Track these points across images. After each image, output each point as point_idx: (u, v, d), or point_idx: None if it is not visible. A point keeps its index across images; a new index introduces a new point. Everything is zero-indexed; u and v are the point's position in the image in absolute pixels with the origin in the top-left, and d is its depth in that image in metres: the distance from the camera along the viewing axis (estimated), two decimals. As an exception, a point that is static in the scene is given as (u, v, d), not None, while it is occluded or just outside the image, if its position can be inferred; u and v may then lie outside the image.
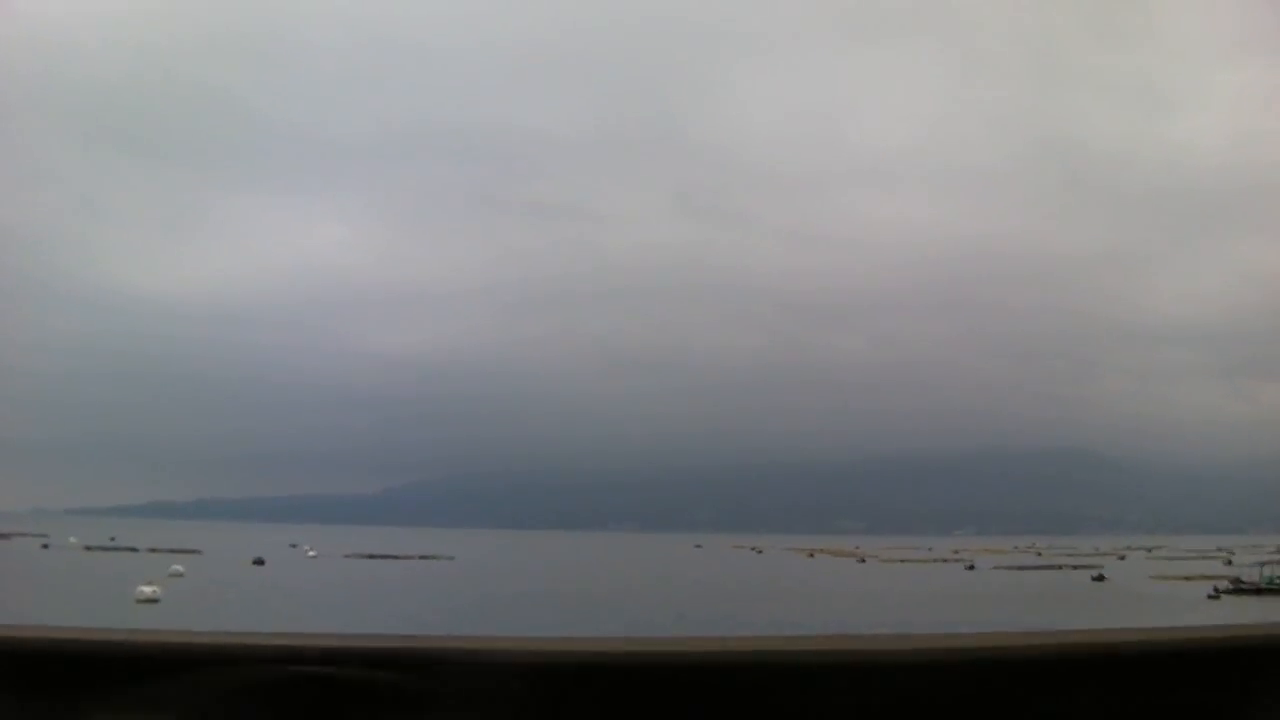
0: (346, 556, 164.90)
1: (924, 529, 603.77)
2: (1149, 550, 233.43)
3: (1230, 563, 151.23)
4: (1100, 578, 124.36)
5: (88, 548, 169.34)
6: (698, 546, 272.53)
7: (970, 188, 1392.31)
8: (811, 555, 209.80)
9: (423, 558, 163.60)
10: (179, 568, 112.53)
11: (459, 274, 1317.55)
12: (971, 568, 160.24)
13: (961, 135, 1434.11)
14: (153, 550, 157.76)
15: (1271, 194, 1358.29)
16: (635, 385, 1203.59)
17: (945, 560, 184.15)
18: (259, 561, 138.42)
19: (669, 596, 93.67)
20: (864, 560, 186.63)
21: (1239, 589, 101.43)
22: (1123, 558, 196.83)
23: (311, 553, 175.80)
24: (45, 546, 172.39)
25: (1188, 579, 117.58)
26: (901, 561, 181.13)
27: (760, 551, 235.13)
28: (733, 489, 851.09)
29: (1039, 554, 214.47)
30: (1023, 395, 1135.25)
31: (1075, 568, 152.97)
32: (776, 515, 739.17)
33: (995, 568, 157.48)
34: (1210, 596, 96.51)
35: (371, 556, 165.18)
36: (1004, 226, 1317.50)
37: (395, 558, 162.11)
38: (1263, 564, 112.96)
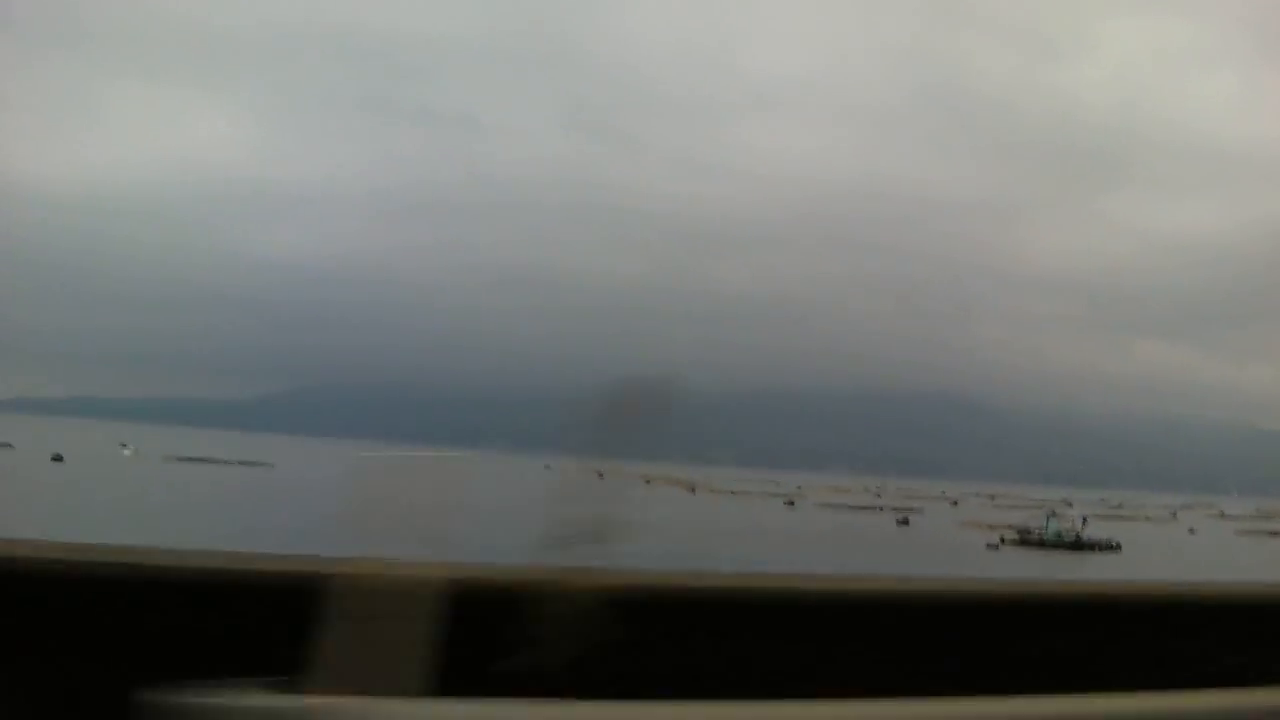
0: (165, 459, 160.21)
1: (797, 464, 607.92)
2: (992, 497, 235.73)
3: (1054, 514, 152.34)
4: (905, 521, 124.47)
5: None
6: (546, 468, 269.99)
7: (858, 125, 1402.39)
8: (649, 482, 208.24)
9: (242, 464, 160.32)
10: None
11: (341, 178, 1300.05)
12: (791, 504, 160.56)
13: (853, 71, 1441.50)
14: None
15: (1153, 149, 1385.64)
16: (518, 301, 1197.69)
17: (773, 495, 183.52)
18: (57, 458, 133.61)
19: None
20: (694, 490, 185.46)
21: (1024, 541, 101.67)
22: (955, 503, 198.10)
23: (127, 452, 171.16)
24: None
25: (992, 528, 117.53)
26: (731, 493, 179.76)
27: (602, 476, 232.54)
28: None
29: (878, 495, 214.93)
30: (900, 337, 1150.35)
31: (895, 509, 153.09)
32: (652, 442, 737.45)
33: (817, 505, 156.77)
34: (990, 546, 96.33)
35: (189, 460, 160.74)
36: (889, 166, 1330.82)
37: (212, 462, 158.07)
38: (1049, 517, 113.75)
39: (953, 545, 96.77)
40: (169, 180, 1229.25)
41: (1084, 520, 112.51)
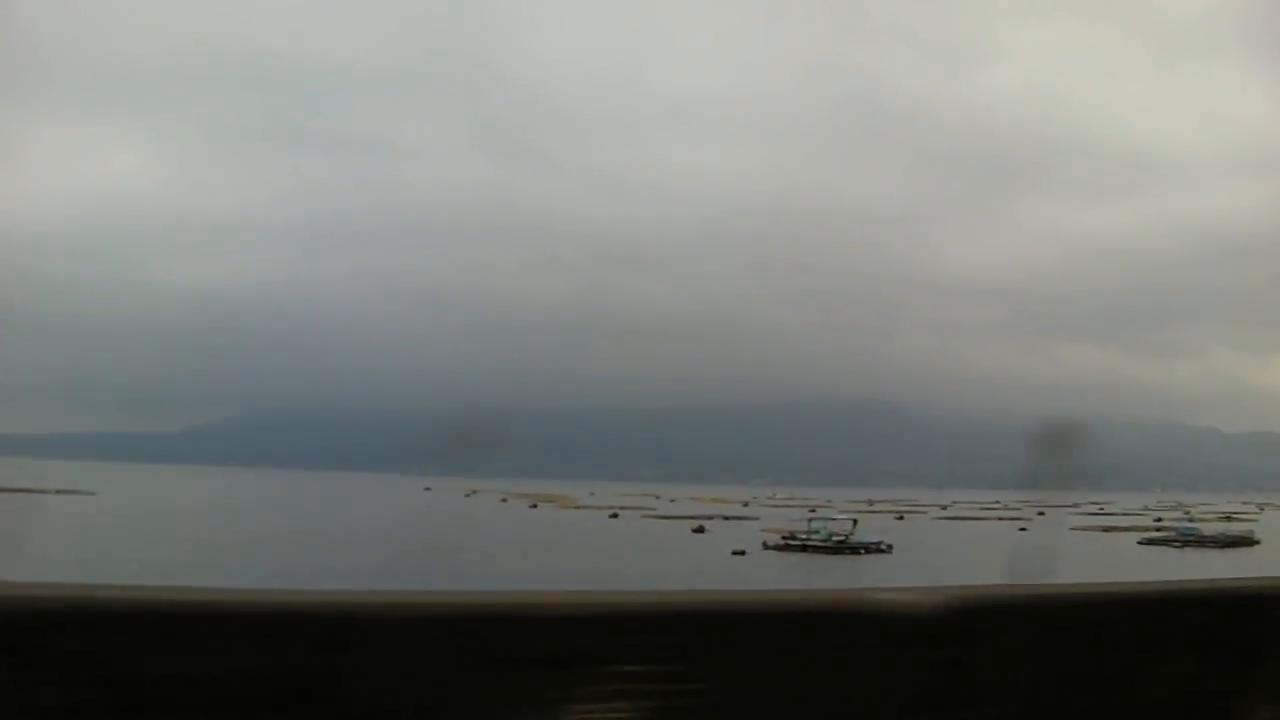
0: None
1: (723, 478, 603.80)
2: (870, 503, 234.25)
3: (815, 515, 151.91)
4: (700, 529, 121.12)
5: None
6: (426, 489, 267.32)
7: (774, 139, 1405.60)
8: (534, 506, 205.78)
9: (59, 492, 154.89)
10: None
11: (258, 206, 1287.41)
12: (615, 515, 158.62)
13: (764, 85, 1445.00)
14: None
15: (1067, 155, 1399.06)
16: (440, 325, 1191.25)
17: (636, 508, 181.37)
18: None
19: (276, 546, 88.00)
20: (535, 506, 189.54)
21: (787, 545, 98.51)
22: (814, 510, 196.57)
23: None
24: None
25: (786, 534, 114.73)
26: (576, 508, 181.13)
27: (469, 495, 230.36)
28: (540, 434, 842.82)
29: (745, 504, 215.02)
30: (826, 346, 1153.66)
31: (726, 519, 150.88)
32: (579, 461, 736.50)
33: (646, 516, 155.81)
34: (735, 553, 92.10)
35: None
36: (806, 179, 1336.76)
37: (27, 491, 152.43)
38: (810, 518, 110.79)
39: (724, 551, 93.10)
40: (86, 214, 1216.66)
41: (854, 522, 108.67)
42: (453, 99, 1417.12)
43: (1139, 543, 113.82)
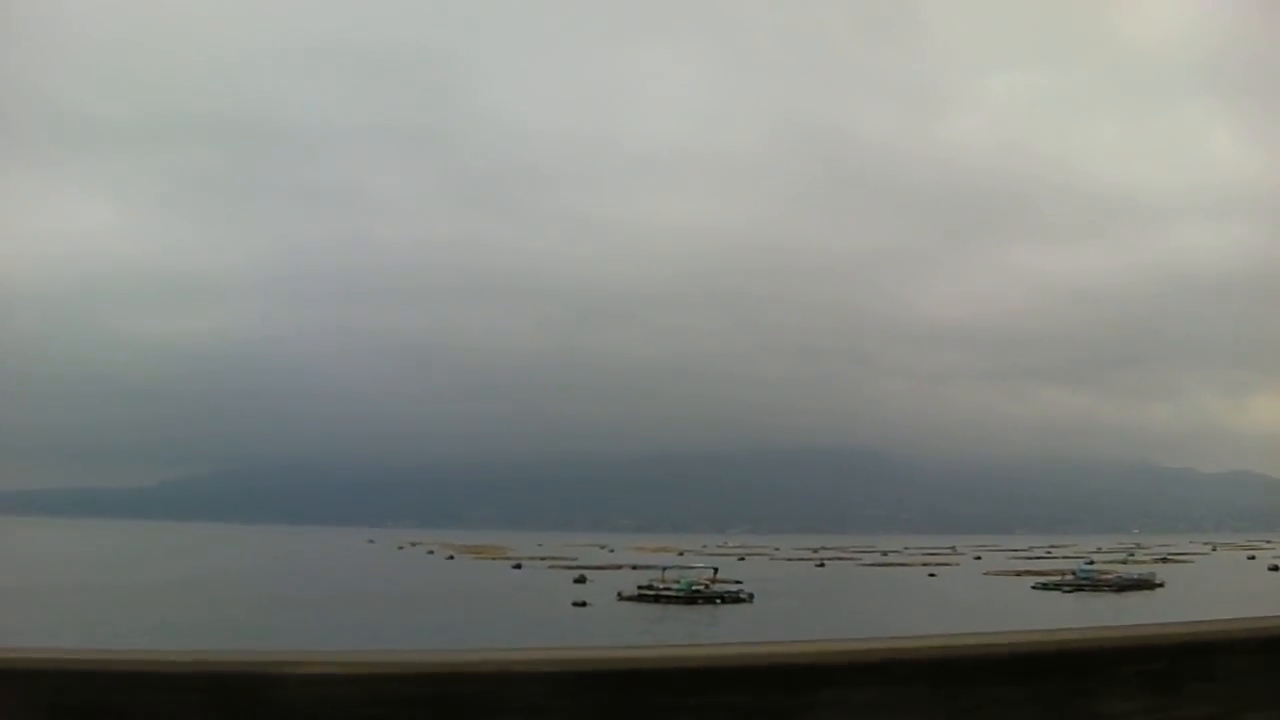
0: None
1: (700, 527, 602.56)
2: (815, 550, 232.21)
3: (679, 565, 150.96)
4: (581, 579, 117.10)
5: None
6: (370, 542, 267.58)
7: (743, 186, 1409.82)
8: (451, 557, 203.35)
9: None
10: None
11: (229, 260, 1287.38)
12: (519, 567, 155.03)
13: (732, 131, 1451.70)
14: None
15: (1037, 199, 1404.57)
16: (416, 379, 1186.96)
17: (552, 558, 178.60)
18: None
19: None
20: (452, 557, 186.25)
21: (641, 595, 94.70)
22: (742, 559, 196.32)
23: None
24: None
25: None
26: (496, 559, 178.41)
27: (401, 547, 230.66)
28: (518, 487, 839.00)
29: (680, 554, 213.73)
30: (802, 393, 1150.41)
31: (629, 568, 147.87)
32: (556, 513, 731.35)
33: (550, 567, 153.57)
34: (576, 604, 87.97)
35: None
36: (777, 223, 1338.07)
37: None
38: (664, 566, 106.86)
39: (548, 603, 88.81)
40: (53, 270, 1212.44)
41: (715, 571, 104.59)
42: (421, 152, 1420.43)
43: (1032, 587, 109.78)
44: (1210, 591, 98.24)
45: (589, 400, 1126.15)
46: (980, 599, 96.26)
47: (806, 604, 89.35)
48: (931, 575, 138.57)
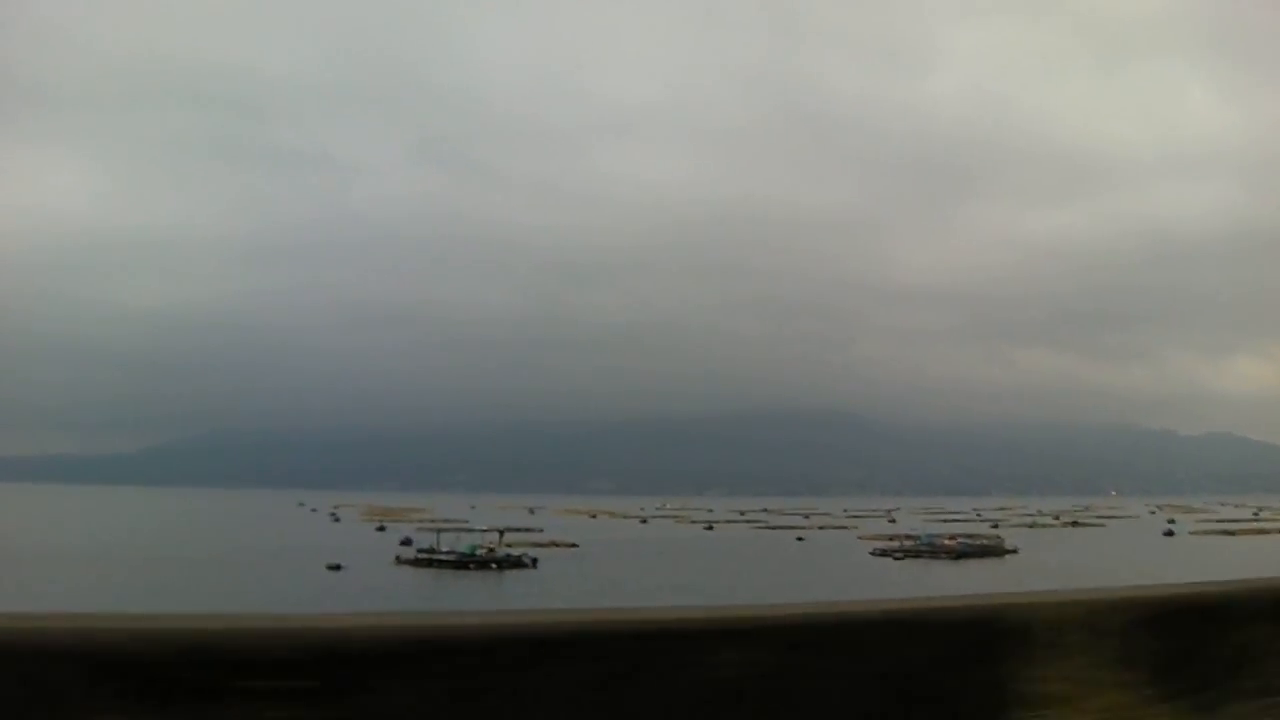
0: None
1: (677, 489, 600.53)
2: (742, 513, 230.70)
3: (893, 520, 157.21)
4: (407, 541, 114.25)
5: None
6: (300, 505, 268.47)
7: (716, 145, 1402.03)
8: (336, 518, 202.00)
9: None
10: None
11: (204, 222, 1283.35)
12: (382, 529, 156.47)
13: (704, 92, 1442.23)
14: None
15: (1013, 158, 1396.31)
16: (392, 340, 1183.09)
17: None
18: None
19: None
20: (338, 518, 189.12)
21: (417, 559, 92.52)
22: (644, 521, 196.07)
23: None
24: None
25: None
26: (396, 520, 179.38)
27: (315, 510, 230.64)
28: (500, 450, 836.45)
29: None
30: (779, 356, 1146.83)
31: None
32: (535, 475, 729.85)
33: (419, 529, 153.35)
34: (330, 567, 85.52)
35: None
36: (752, 185, 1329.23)
37: None
38: (440, 531, 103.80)
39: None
40: (25, 234, 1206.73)
41: (500, 535, 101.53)
42: (391, 112, 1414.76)
43: (870, 553, 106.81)
44: (1059, 561, 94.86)
45: (569, 361, 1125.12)
46: (800, 562, 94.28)
47: (597, 569, 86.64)
48: (799, 539, 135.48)
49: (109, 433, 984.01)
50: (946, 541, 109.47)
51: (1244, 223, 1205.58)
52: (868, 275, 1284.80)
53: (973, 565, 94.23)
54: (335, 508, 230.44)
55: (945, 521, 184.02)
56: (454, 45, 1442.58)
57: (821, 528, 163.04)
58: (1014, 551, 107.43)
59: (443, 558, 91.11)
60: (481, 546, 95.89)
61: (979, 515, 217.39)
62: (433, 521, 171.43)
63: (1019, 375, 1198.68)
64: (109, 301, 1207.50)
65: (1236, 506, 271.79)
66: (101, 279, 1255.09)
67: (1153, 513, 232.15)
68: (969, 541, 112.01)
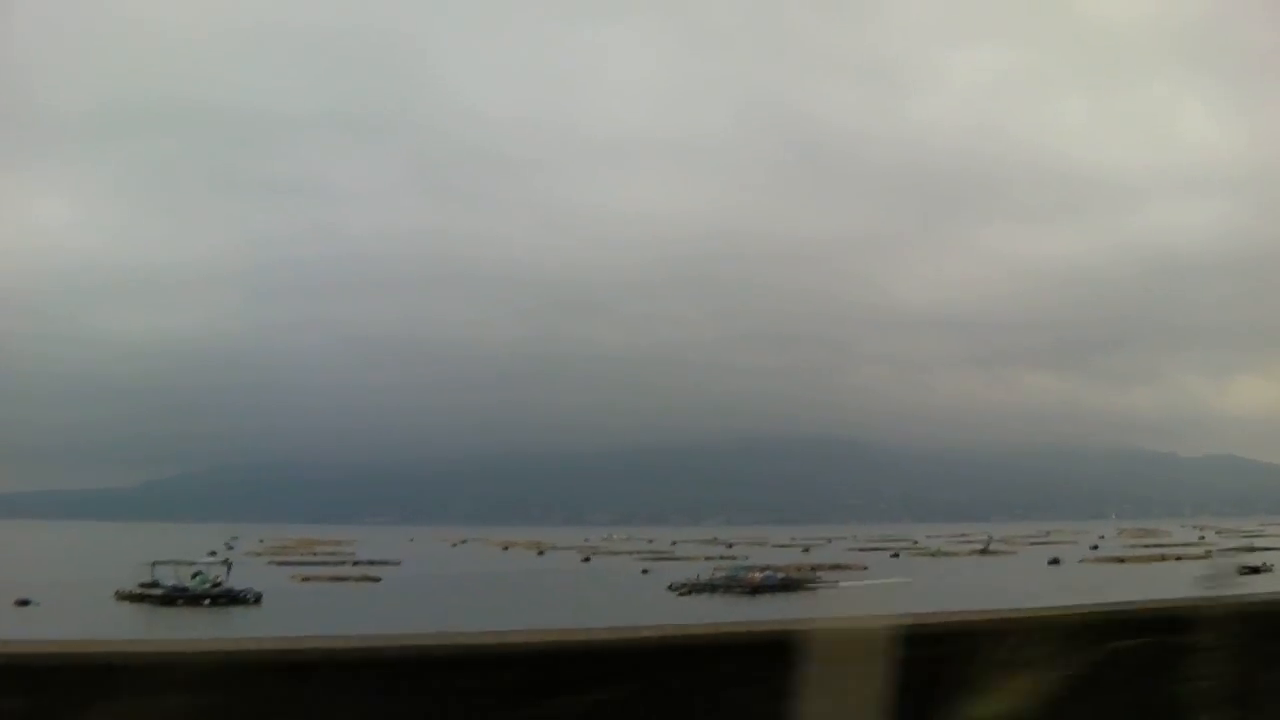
0: None
1: (677, 520, 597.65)
2: (714, 543, 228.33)
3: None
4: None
5: None
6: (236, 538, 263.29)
7: (709, 168, 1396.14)
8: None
9: None
10: None
11: (201, 255, 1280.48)
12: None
13: (696, 114, 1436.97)
14: None
15: (1011, 180, 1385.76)
16: (392, 373, 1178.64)
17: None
18: None
19: None
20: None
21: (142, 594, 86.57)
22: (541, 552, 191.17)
23: None
24: None
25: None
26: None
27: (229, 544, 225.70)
28: (500, 480, 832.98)
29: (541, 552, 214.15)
30: (780, 382, 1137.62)
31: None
32: (533, 507, 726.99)
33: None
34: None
35: None
36: (750, 214, 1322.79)
37: None
38: (155, 564, 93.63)
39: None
40: (22, 268, 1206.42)
41: (229, 567, 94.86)
42: (383, 140, 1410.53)
43: (667, 586, 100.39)
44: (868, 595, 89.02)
45: (567, 391, 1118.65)
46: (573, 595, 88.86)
47: (342, 604, 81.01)
48: (644, 572, 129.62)
49: (104, 468, 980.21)
50: (752, 576, 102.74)
51: (1247, 242, 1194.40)
52: (866, 300, 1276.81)
53: (761, 601, 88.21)
54: (233, 539, 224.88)
55: (861, 550, 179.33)
56: (443, 70, 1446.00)
57: (724, 557, 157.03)
58: (832, 585, 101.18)
59: (152, 593, 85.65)
60: (209, 580, 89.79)
61: (915, 543, 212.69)
62: (332, 555, 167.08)
63: (1020, 399, 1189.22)
64: (99, 334, 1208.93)
65: (1218, 532, 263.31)
66: (91, 311, 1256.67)
67: (1101, 538, 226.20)
68: (774, 575, 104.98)
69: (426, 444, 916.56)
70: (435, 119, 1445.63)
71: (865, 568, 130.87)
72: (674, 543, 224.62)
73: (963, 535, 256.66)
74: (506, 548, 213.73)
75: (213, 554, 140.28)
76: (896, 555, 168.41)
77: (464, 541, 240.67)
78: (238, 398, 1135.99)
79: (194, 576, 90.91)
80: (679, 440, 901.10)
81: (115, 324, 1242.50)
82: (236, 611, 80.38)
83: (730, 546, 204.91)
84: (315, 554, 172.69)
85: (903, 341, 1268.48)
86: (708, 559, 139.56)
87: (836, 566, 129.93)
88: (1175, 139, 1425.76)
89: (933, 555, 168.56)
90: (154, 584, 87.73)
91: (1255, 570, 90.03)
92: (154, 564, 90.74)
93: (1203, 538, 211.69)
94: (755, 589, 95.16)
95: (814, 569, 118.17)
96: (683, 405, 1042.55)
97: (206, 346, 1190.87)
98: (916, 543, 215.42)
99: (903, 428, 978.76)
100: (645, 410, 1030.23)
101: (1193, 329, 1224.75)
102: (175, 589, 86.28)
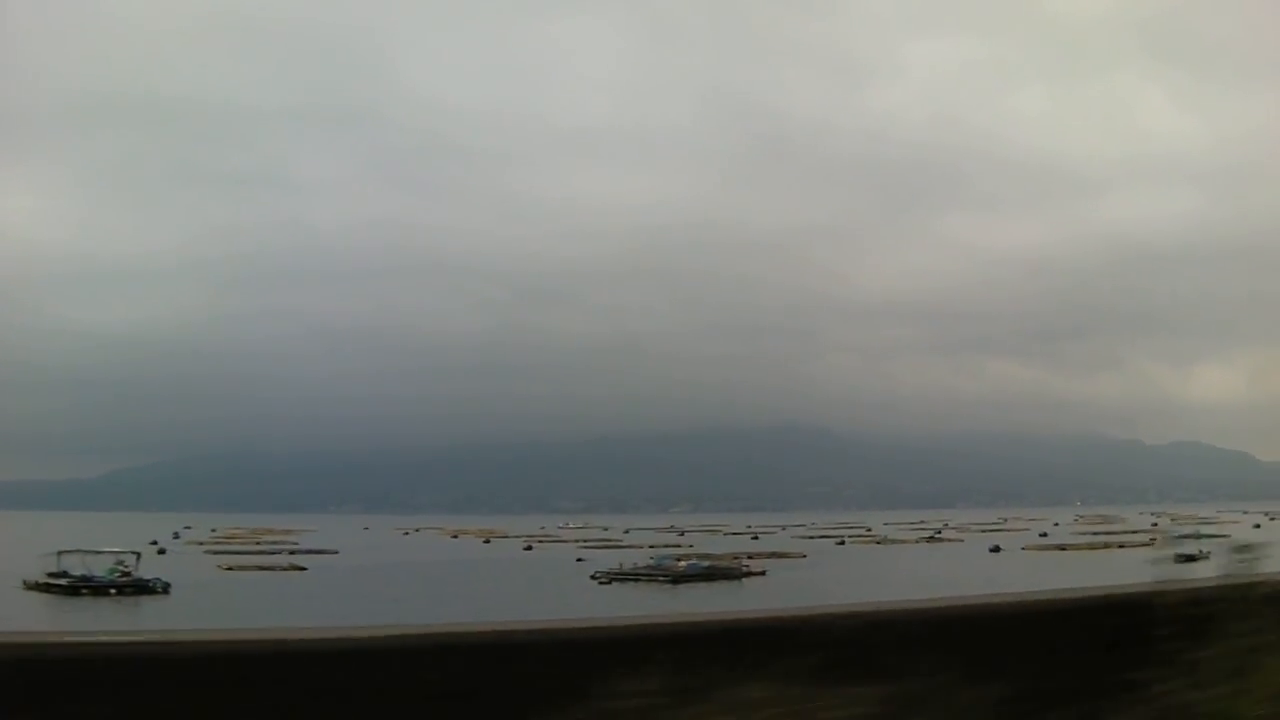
0: None
1: (645, 508, 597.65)
2: (623, 528, 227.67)
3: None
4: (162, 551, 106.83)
5: None
6: (187, 528, 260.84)
7: (673, 159, 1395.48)
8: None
9: None
10: None
11: (166, 247, 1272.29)
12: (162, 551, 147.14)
13: (659, 105, 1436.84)
14: None
15: (975, 170, 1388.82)
16: (358, 363, 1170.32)
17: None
18: None
19: None
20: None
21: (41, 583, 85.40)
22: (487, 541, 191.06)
23: None
24: None
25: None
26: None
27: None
28: (465, 470, 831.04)
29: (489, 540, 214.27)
30: (746, 371, 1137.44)
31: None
32: (499, 496, 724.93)
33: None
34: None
35: None
36: (711, 199, 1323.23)
37: None
38: (60, 553, 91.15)
39: None
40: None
41: (138, 557, 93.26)
42: (345, 132, 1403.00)
43: (591, 575, 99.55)
44: (802, 583, 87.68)
45: (532, 381, 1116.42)
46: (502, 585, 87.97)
47: (261, 593, 79.91)
48: (579, 560, 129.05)
49: (71, 457, 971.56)
50: (677, 564, 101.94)
51: (1207, 232, 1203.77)
52: (831, 290, 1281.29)
53: (681, 590, 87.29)
54: (184, 528, 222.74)
55: (809, 539, 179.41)
56: (405, 63, 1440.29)
57: (652, 545, 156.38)
58: (761, 574, 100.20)
59: (58, 582, 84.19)
60: (119, 570, 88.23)
61: (869, 530, 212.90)
62: (275, 545, 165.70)
63: (987, 387, 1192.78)
64: (63, 324, 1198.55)
65: (1173, 519, 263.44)
66: (55, 302, 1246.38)
67: (1055, 525, 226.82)
68: (699, 564, 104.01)
69: (394, 434, 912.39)
70: (399, 111, 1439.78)
71: (804, 555, 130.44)
72: (627, 531, 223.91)
73: (920, 523, 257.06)
74: (456, 536, 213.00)
75: (153, 542, 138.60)
76: (842, 543, 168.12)
77: (416, 530, 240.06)
78: (205, 388, 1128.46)
79: (118, 564, 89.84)
80: (646, 430, 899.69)
81: (80, 314, 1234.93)
82: (143, 601, 78.97)
83: (682, 535, 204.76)
84: (259, 544, 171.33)
85: (868, 330, 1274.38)
86: (652, 547, 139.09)
87: (774, 555, 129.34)
88: (1138, 130, 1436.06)
89: (879, 543, 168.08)
90: (61, 574, 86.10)
91: (1191, 559, 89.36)
92: (59, 553, 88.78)
93: (1155, 524, 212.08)
94: (678, 578, 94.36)
95: (750, 557, 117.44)
96: (650, 395, 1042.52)
97: (172, 337, 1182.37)
98: (870, 530, 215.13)
99: (870, 416, 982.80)
100: (612, 400, 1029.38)
101: (1158, 318, 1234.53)
102: (82, 579, 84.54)
